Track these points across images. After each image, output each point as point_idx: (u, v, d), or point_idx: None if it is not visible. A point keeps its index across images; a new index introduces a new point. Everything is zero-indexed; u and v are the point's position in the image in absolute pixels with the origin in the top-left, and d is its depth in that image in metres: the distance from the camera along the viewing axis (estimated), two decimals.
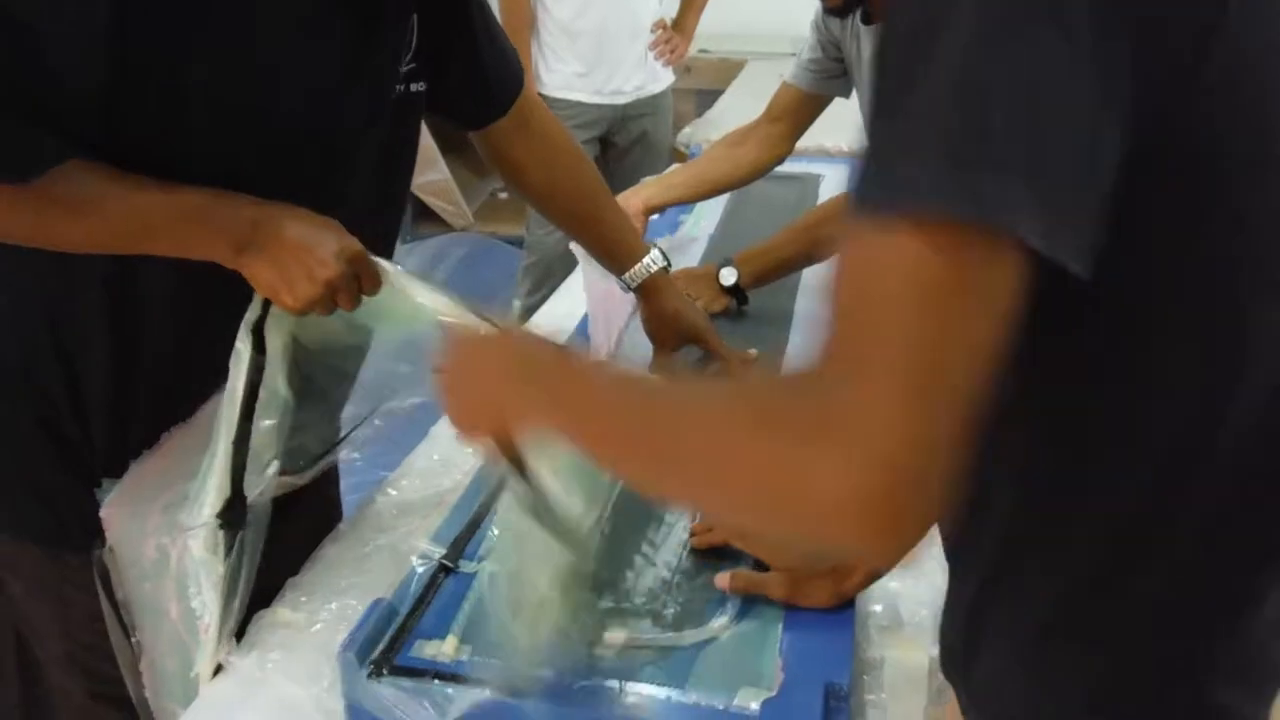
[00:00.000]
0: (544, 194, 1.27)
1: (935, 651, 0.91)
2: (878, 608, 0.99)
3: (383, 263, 0.90)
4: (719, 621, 0.92)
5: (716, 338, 1.35)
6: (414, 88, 1.02)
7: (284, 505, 0.99)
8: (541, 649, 0.87)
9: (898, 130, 0.46)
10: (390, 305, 0.90)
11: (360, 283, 0.88)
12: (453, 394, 0.74)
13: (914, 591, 1.00)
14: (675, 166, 1.95)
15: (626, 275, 1.30)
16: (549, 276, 2.74)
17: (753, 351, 1.38)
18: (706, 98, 3.30)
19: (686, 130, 2.74)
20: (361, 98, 0.95)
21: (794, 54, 1.75)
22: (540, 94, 2.61)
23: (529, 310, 2.75)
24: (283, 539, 1.00)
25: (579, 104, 2.63)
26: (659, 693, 0.85)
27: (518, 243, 3.48)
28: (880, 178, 0.47)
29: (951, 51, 0.44)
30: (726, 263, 1.56)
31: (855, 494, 0.44)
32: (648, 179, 1.83)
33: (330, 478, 1.22)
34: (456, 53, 1.07)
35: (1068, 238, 0.45)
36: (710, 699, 0.84)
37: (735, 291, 1.55)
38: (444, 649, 0.89)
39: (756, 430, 0.48)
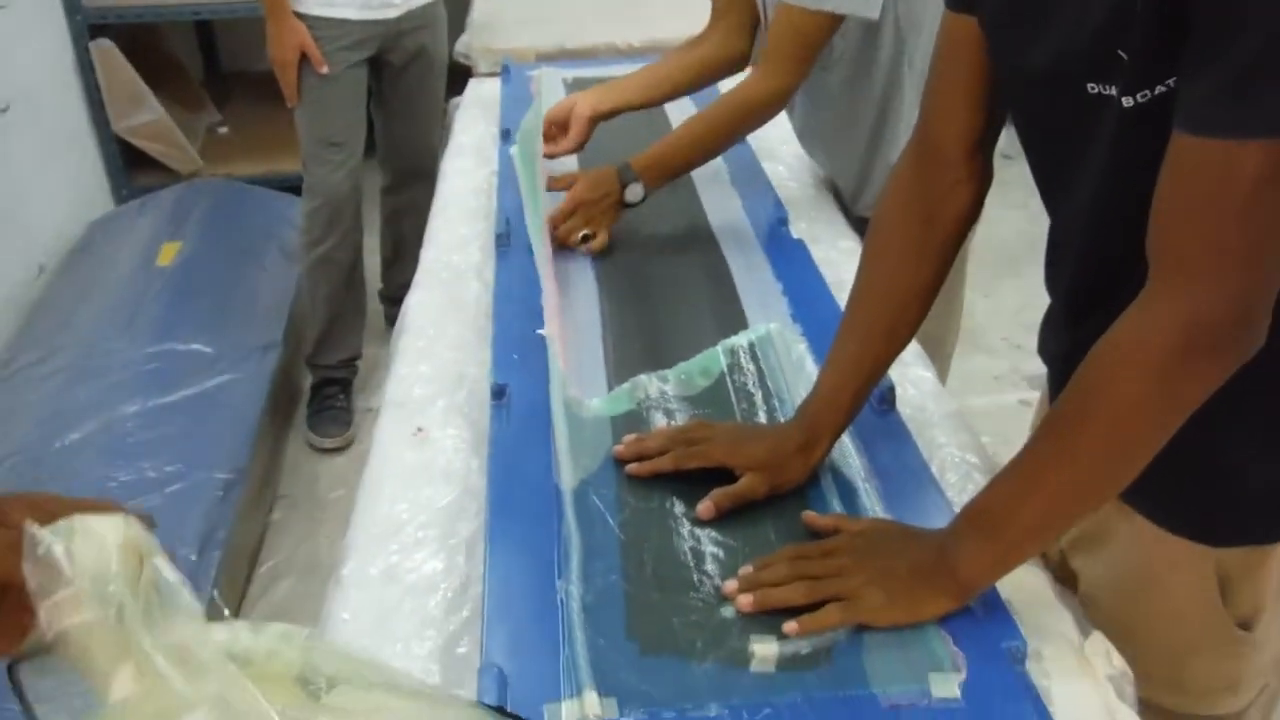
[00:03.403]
0: None
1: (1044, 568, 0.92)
2: None
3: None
4: None
5: None
6: None
7: None
8: (698, 684, 0.77)
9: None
10: None
11: None
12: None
13: None
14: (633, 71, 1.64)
15: None
16: (337, 220, 2.46)
17: None
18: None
19: (463, 39, 2.50)
20: None
21: None
22: (297, 12, 2.28)
23: (320, 260, 2.46)
24: None
25: (345, 22, 2.32)
26: (847, 697, 0.77)
27: (267, 182, 3.10)
28: (1242, 111, 0.64)
29: None
30: (630, 176, 1.44)
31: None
32: (596, 86, 1.60)
33: None
34: None
35: None
36: (907, 695, 0.77)
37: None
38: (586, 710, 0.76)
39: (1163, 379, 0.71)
